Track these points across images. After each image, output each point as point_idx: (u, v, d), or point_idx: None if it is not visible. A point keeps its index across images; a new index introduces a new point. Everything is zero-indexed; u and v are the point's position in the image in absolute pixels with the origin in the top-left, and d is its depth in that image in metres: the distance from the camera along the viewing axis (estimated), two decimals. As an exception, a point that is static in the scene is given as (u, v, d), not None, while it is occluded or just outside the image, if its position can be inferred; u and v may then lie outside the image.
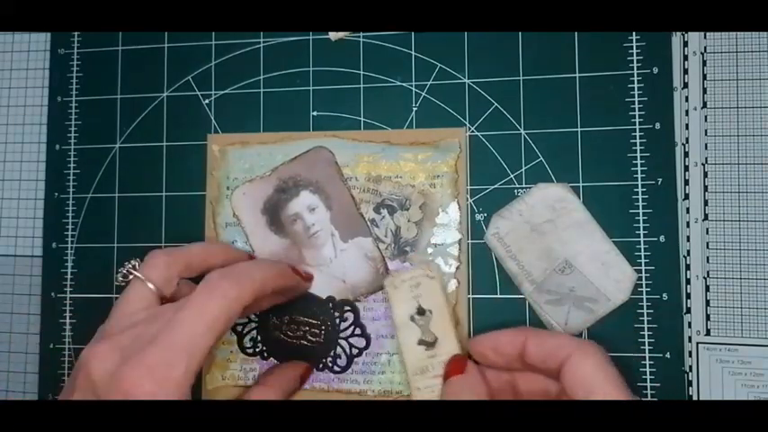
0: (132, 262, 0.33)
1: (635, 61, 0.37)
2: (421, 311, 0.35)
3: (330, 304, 0.38)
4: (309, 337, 0.38)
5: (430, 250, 0.38)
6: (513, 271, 0.37)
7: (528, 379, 0.32)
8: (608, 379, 0.28)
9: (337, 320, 0.38)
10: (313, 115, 0.40)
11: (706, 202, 0.37)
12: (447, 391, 0.33)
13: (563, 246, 0.37)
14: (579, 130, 0.37)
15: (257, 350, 0.39)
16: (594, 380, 0.28)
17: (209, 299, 0.29)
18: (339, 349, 0.38)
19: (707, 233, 0.36)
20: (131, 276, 0.32)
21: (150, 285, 0.32)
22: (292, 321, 0.38)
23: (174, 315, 0.29)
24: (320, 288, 0.38)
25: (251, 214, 0.39)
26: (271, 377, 0.37)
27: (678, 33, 0.37)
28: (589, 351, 0.29)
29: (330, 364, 0.38)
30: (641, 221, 0.36)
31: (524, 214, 0.37)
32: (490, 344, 0.32)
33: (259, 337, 0.39)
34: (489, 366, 0.33)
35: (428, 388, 0.34)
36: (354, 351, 0.38)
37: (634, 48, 0.37)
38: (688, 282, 0.36)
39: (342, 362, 0.38)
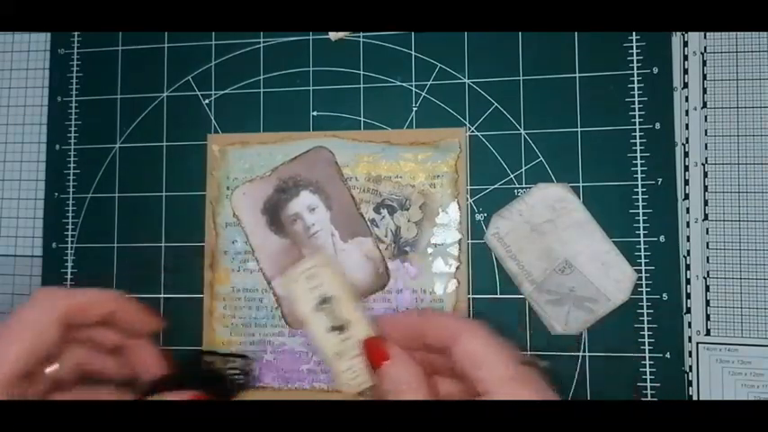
0: None
1: (635, 61, 0.37)
2: (324, 300, 0.35)
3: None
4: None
5: (430, 250, 0.38)
6: (513, 271, 0.37)
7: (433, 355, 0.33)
8: (496, 353, 0.29)
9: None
10: (313, 115, 0.40)
11: (706, 202, 0.37)
12: (384, 380, 0.32)
13: (563, 246, 0.37)
14: (579, 130, 0.37)
15: None
16: (483, 355, 0.29)
17: (23, 312, 0.31)
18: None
19: (707, 233, 0.36)
20: None
21: None
22: None
23: None
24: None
25: (251, 214, 0.39)
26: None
27: (678, 33, 0.37)
28: (477, 329, 0.30)
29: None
30: (641, 221, 0.36)
31: (524, 214, 0.37)
32: (392, 324, 0.33)
33: None
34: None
35: (350, 369, 0.34)
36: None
37: (634, 48, 0.37)
38: (688, 282, 0.36)
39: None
